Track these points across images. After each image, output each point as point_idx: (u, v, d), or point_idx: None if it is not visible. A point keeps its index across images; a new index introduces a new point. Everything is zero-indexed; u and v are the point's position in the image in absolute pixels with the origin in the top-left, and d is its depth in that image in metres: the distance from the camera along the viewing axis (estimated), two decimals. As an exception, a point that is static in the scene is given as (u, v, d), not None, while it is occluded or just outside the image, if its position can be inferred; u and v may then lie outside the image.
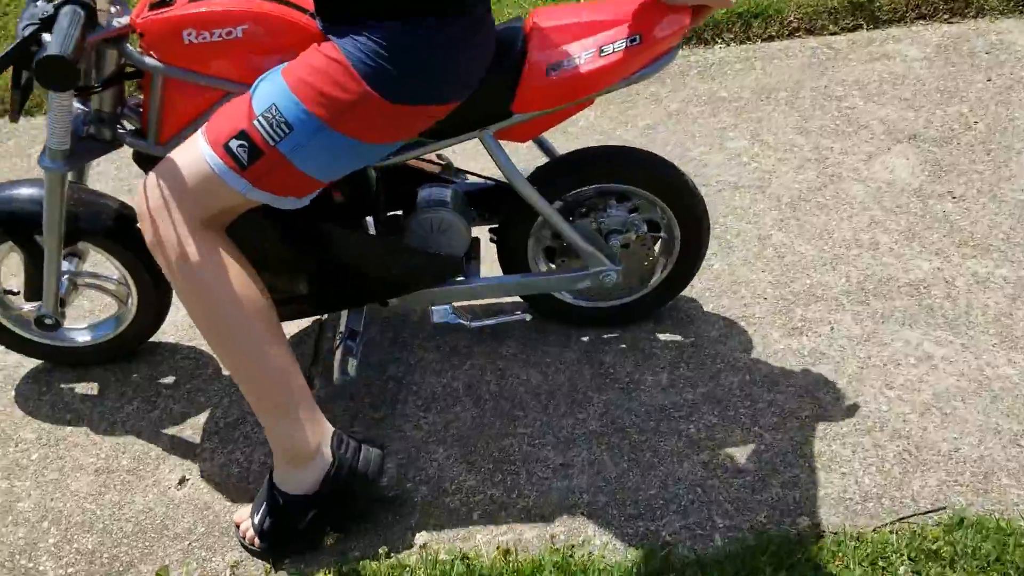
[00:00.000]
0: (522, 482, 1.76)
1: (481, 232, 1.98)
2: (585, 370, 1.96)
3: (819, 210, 2.30)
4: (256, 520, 1.66)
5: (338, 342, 1.84)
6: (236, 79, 1.54)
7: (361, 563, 1.64)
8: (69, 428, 1.95)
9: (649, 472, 1.75)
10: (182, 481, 1.83)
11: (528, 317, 1.92)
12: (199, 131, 1.50)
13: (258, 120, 1.45)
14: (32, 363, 2.09)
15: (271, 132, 1.45)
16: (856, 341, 1.96)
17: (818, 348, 1.95)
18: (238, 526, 1.71)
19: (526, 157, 2.23)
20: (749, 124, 2.60)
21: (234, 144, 1.46)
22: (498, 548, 1.65)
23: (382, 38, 1.43)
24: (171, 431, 1.92)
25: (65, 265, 1.92)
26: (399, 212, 1.92)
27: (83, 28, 1.34)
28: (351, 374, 1.80)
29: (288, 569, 1.66)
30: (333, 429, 1.66)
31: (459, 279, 1.87)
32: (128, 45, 1.57)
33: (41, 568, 1.70)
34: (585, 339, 2.02)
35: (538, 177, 1.82)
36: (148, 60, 1.55)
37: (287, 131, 1.45)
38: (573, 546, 1.64)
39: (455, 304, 1.97)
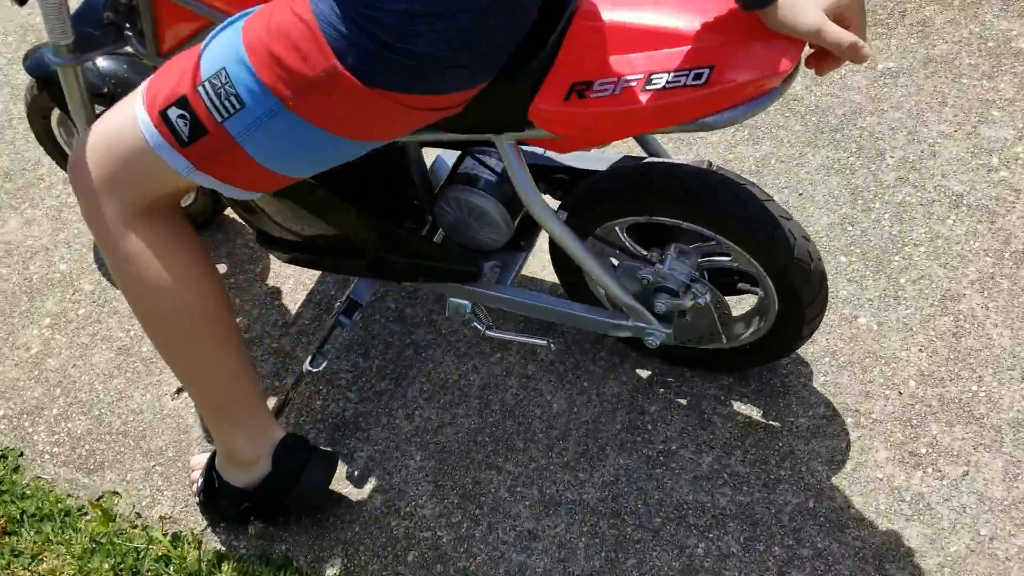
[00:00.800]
0: (477, 536, 1.49)
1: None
2: (619, 415, 1.57)
3: (1057, 277, 1.59)
4: (200, 482, 1.56)
5: (334, 313, 1.60)
6: (222, 9, 1.24)
7: (279, 570, 1.50)
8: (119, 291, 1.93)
9: (619, 585, 1.40)
10: (179, 391, 1.76)
11: (553, 347, 1.54)
12: (140, 86, 1.24)
13: (203, 87, 1.14)
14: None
15: (217, 105, 1.14)
16: (989, 506, 1.38)
17: (928, 497, 1.40)
18: (194, 469, 1.63)
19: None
20: (1033, 105, 1.82)
21: (173, 113, 1.17)
22: (409, 610, 1.43)
23: None
24: (197, 327, 1.84)
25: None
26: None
27: None
28: (321, 364, 1.56)
29: (216, 536, 1.57)
30: (281, 436, 1.48)
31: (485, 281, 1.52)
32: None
33: (35, 437, 1.75)
34: (642, 370, 1.61)
35: (578, 200, 1.38)
36: None
37: (236, 107, 1.13)
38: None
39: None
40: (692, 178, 1.33)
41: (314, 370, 1.56)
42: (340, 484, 1.58)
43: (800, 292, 1.34)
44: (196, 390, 1.42)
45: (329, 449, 1.55)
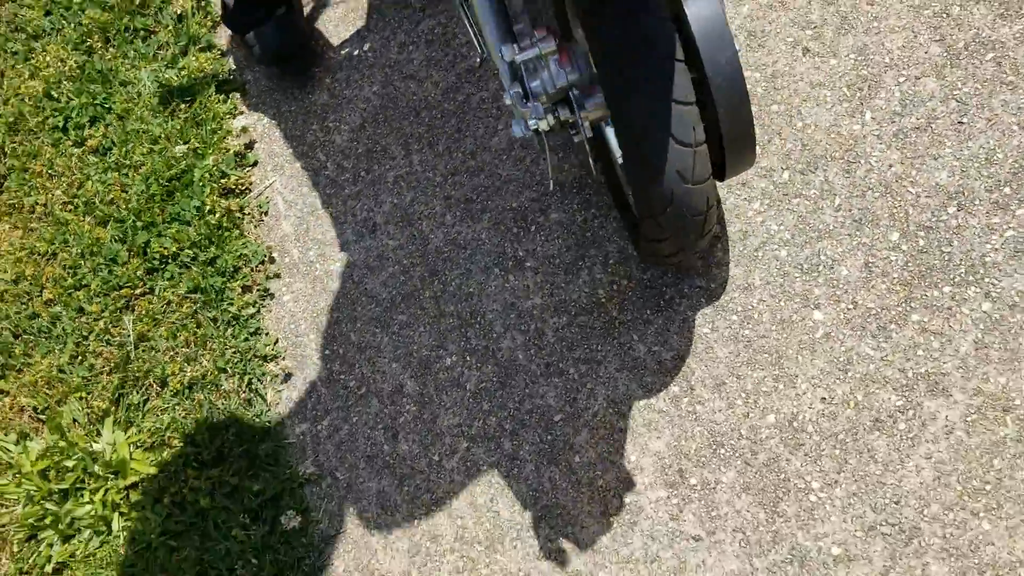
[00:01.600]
0: (345, 192, 1.46)
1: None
2: (525, 195, 1.35)
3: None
4: None
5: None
6: None
7: (218, 135, 1.59)
8: None
9: (394, 348, 1.36)
10: None
11: (478, 61, 1.28)
12: None
13: None
14: None
15: None
16: (678, 582, 1.10)
17: (641, 520, 1.14)
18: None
19: None
20: None
21: None
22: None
23: None
24: None
25: None
26: None
27: None
28: None
29: (232, 61, 1.66)
30: None
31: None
32: None
33: None
34: (589, 186, 1.32)
35: None
36: None
37: None
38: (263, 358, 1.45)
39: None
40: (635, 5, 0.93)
41: None
42: (314, 68, 1.57)
43: (635, 195, 1.00)
44: None
45: (297, 26, 1.53)
